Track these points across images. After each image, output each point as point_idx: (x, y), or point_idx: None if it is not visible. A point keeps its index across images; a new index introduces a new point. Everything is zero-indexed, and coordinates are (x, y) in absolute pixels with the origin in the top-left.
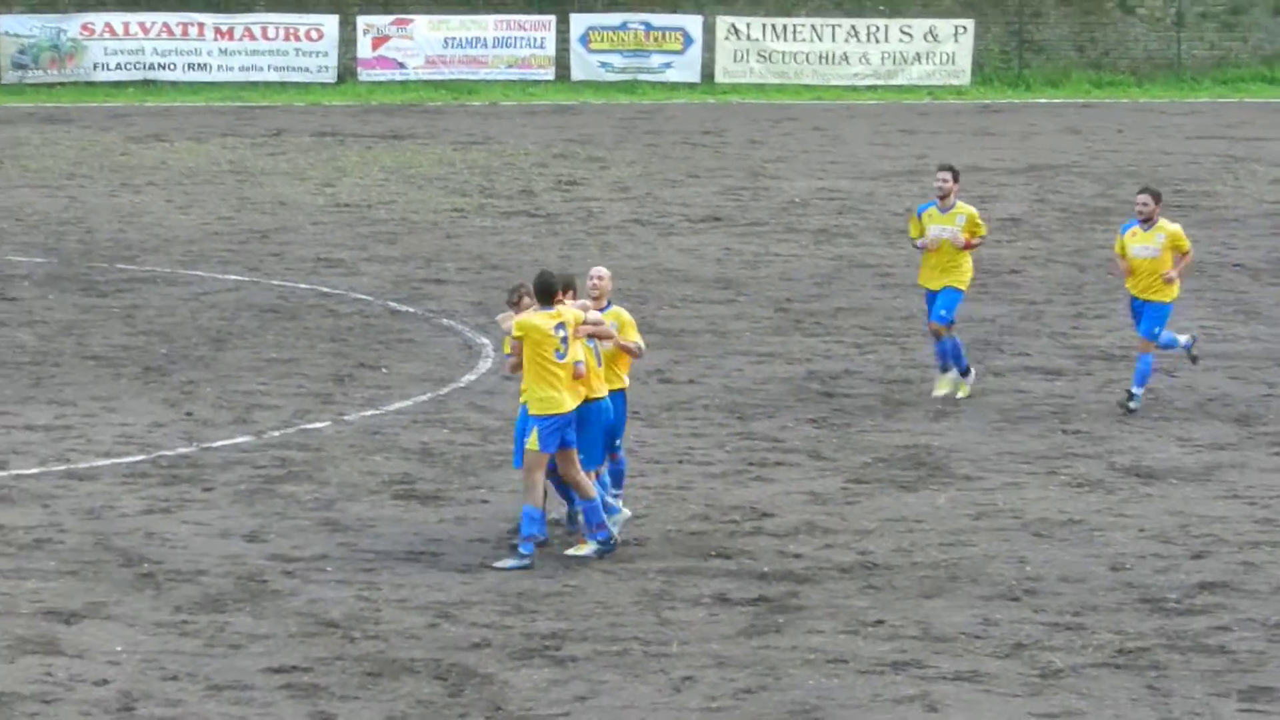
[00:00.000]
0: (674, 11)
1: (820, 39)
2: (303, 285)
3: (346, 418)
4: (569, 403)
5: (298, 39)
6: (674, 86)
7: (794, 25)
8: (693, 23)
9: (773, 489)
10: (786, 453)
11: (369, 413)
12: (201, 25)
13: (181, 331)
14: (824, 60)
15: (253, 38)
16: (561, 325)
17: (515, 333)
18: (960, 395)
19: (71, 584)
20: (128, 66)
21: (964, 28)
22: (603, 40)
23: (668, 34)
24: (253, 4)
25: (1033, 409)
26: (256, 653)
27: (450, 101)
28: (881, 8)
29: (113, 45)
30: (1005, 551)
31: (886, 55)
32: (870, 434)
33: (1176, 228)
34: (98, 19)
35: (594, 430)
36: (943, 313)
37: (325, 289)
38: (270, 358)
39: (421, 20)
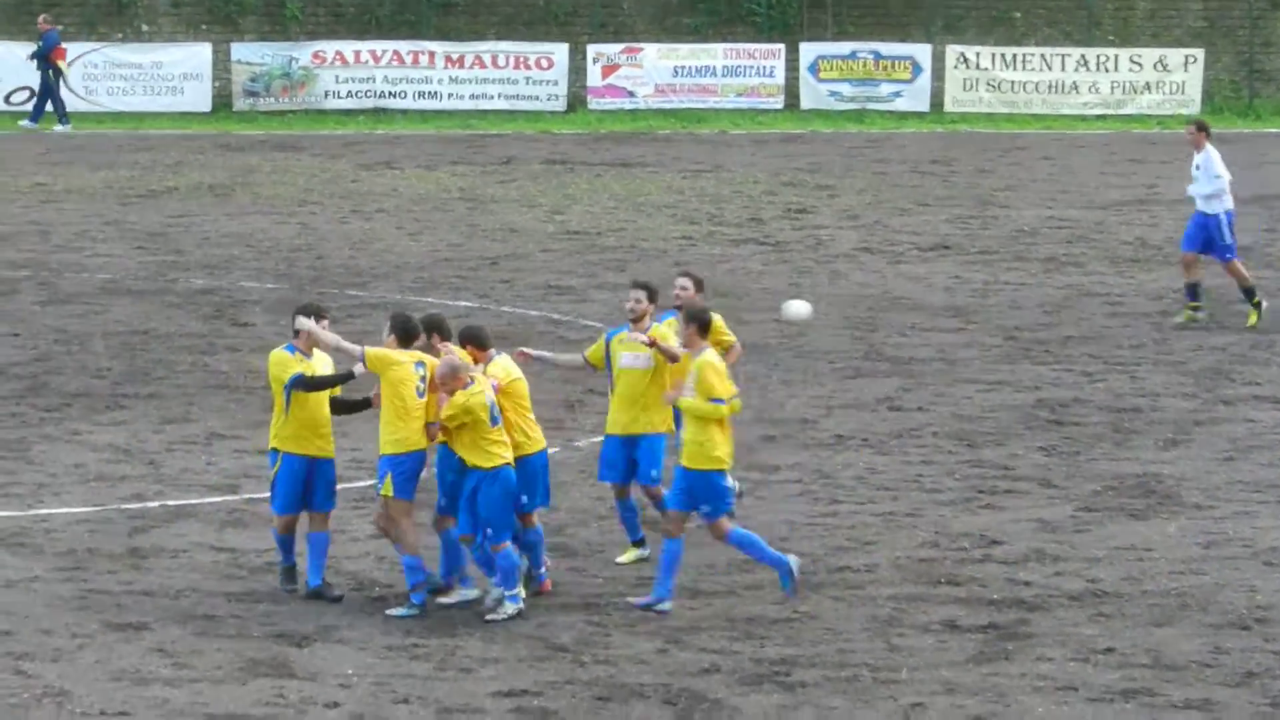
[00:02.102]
0: (903, 41)
1: (1050, 68)
2: (533, 312)
3: (576, 444)
4: (423, 441)
5: (528, 67)
6: (903, 115)
7: (1023, 55)
8: (922, 52)
9: (1002, 516)
10: (1016, 480)
11: (598, 439)
12: (432, 53)
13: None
14: (1053, 89)
15: (483, 66)
16: (421, 364)
17: (372, 367)
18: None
19: (303, 607)
20: (358, 94)
21: (1194, 57)
22: (832, 69)
23: (897, 63)
24: (483, 33)
25: (1263, 438)
26: (487, 676)
27: (679, 130)
28: (1111, 38)
29: (343, 73)
30: (1236, 580)
31: (1116, 85)
32: (1100, 462)
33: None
34: (329, 47)
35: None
36: (653, 473)
37: (555, 315)
38: None
39: (651, 49)
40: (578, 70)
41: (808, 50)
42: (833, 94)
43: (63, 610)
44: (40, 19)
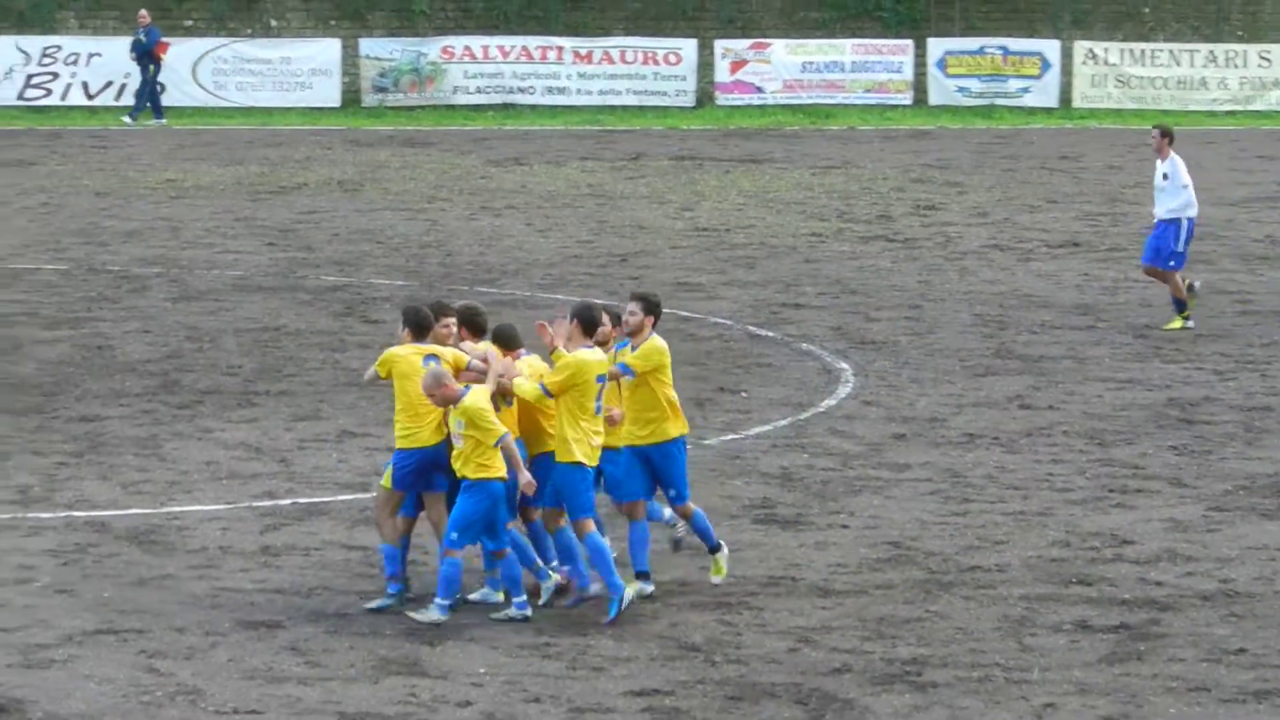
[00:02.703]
0: (1031, 36)
1: (1178, 64)
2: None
3: (706, 442)
4: (435, 438)
5: (656, 63)
6: (1031, 111)
7: (1152, 50)
8: (1050, 47)
9: (1133, 516)
10: (1147, 479)
11: (729, 437)
12: (560, 49)
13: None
14: (1182, 85)
15: (611, 62)
16: (432, 358)
17: (380, 371)
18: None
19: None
20: (487, 90)
21: None
22: (960, 65)
23: (1025, 59)
24: (611, 28)
25: None
26: (619, 675)
27: (808, 126)
28: (1240, 33)
29: (472, 69)
30: None
31: (1245, 80)
32: (1231, 461)
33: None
34: (457, 42)
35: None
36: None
37: (684, 313)
38: None
39: (779, 44)
40: (706, 66)
41: (935, 46)
42: (961, 89)
43: (195, 608)
44: (141, 14)
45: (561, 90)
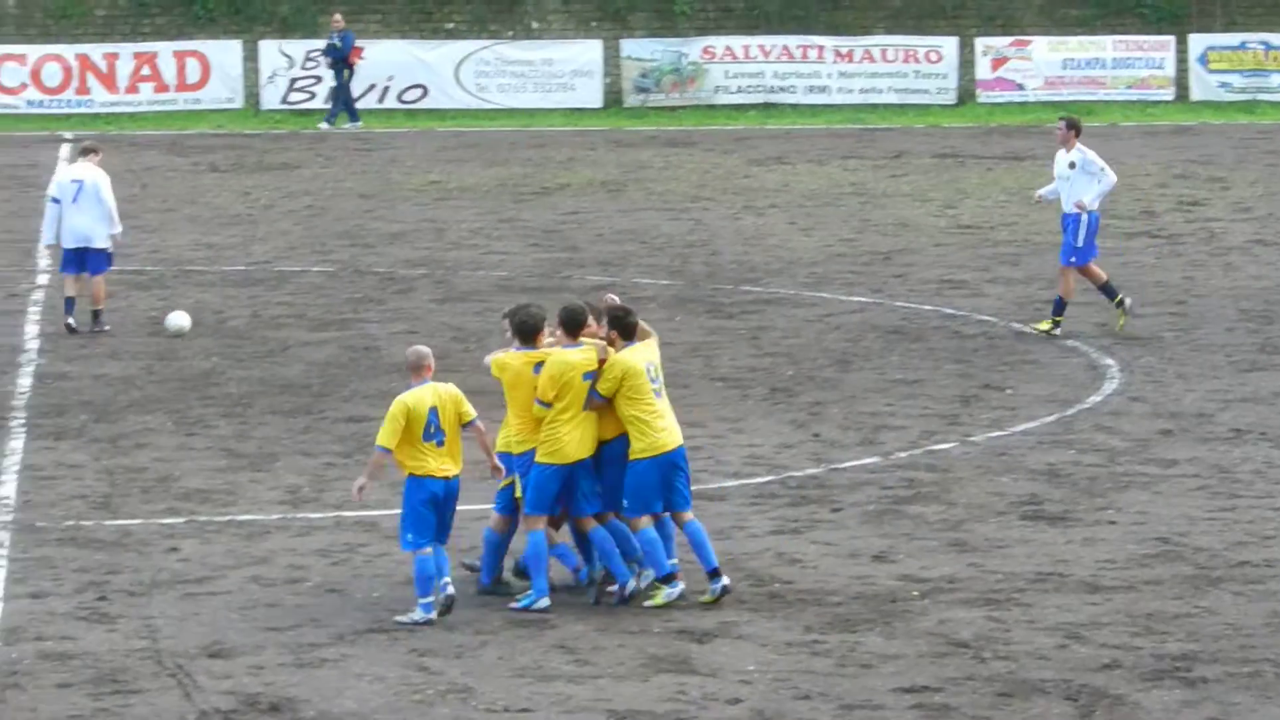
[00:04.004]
0: None
1: None
2: (926, 307)
3: (972, 438)
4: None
5: (917, 61)
6: None
7: None
8: None
9: None
10: None
11: (995, 434)
12: (821, 48)
13: (807, 353)
14: None
15: (872, 60)
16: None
17: (493, 371)
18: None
19: (701, 604)
20: (748, 89)
21: None
22: (1221, 60)
23: None
24: (872, 27)
25: None
26: (888, 673)
27: None
28: None
29: (733, 68)
30: None
31: None
32: None
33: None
34: (718, 42)
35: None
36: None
37: (949, 310)
38: (895, 379)
39: (1040, 41)
40: (967, 63)
41: (1197, 41)
42: (1223, 85)
43: (464, 607)
44: (335, 17)
45: (822, 89)
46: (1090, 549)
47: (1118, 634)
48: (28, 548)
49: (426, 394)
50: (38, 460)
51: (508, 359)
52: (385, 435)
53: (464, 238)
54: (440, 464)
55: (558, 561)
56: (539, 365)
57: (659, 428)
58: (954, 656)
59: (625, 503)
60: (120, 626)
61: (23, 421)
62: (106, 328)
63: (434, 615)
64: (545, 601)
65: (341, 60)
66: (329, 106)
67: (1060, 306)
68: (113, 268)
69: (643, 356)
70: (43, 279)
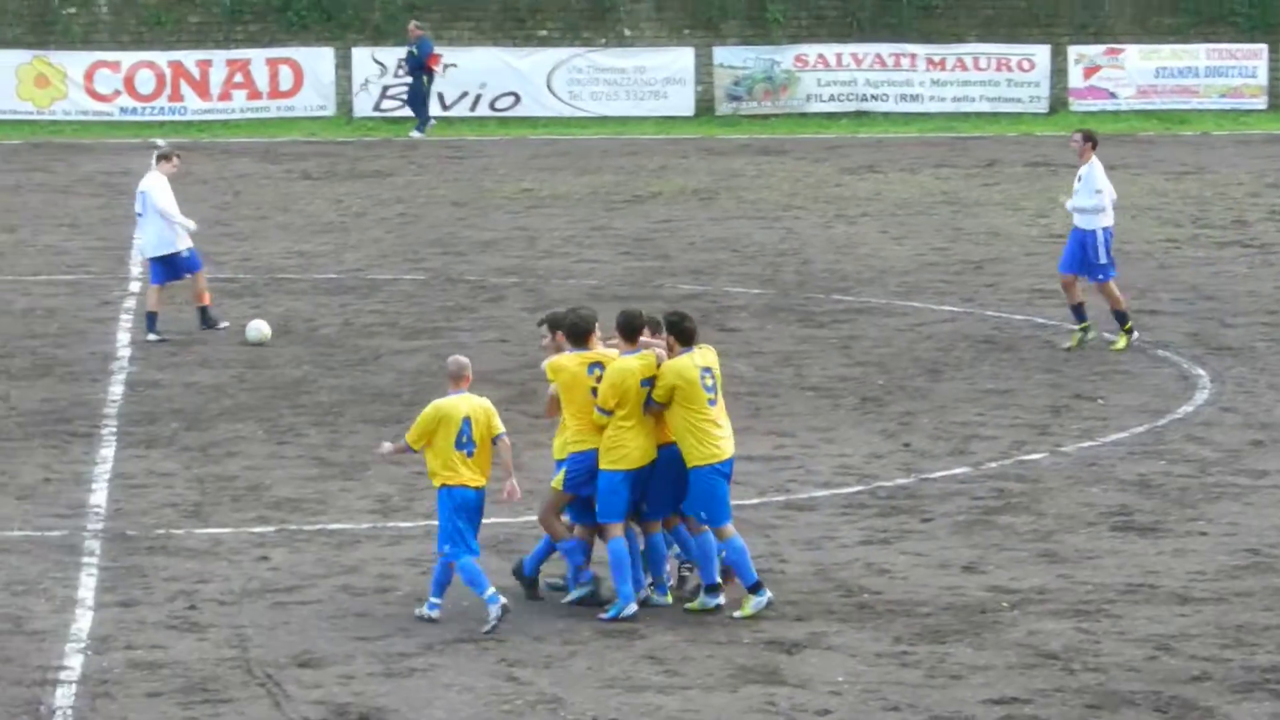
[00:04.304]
0: None
1: None
2: (1018, 316)
3: (1063, 449)
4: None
5: (1009, 69)
6: None
7: None
8: None
9: None
10: None
11: (1085, 444)
12: (914, 56)
13: (898, 363)
14: None
15: (964, 68)
16: (597, 365)
17: (548, 375)
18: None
19: (792, 614)
20: (840, 98)
21: None
22: None
23: None
24: (964, 35)
25: None
26: (977, 684)
27: (1161, 131)
28: None
29: (825, 76)
30: None
31: None
32: None
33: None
34: (811, 50)
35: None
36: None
37: (1040, 320)
38: (987, 389)
39: (1133, 50)
40: (1059, 72)
41: None
42: None
43: (554, 617)
44: (412, 25)
45: (915, 97)
46: (1180, 560)
47: (1207, 646)
48: (118, 556)
49: (461, 403)
50: (129, 468)
51: (563, 361)
52: (413, 434)
53: (555, 246)
54: (471, 474)
55: (563, 556)
56: (593, 365)
57: (716, 436)
58: (1043, 668)
59: (702, 514)
60: (210, 635)
61: (114, 429)
62: (223, 325)
63: (437, 616)
64: (633, 608)
65: (420, 67)
66: (417, 115)
67: (1122, 318)
68: (204, 271)
69: (698, 362)
70: (134, 286)
